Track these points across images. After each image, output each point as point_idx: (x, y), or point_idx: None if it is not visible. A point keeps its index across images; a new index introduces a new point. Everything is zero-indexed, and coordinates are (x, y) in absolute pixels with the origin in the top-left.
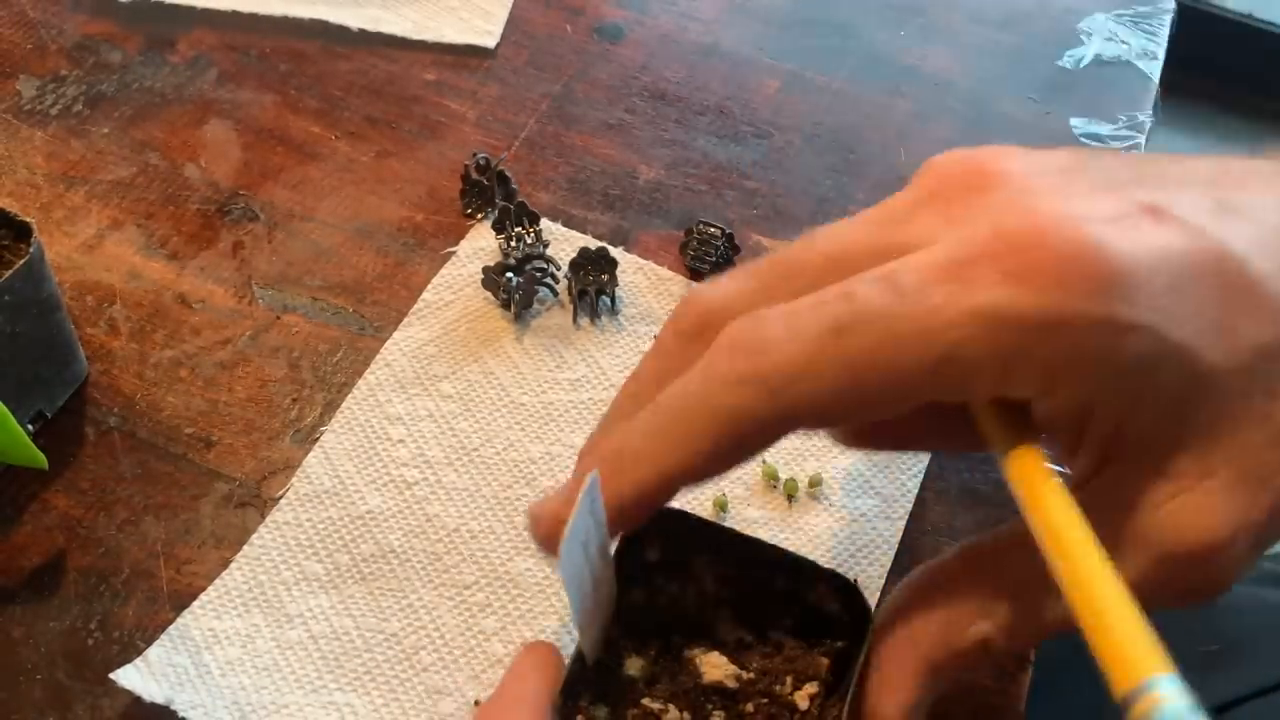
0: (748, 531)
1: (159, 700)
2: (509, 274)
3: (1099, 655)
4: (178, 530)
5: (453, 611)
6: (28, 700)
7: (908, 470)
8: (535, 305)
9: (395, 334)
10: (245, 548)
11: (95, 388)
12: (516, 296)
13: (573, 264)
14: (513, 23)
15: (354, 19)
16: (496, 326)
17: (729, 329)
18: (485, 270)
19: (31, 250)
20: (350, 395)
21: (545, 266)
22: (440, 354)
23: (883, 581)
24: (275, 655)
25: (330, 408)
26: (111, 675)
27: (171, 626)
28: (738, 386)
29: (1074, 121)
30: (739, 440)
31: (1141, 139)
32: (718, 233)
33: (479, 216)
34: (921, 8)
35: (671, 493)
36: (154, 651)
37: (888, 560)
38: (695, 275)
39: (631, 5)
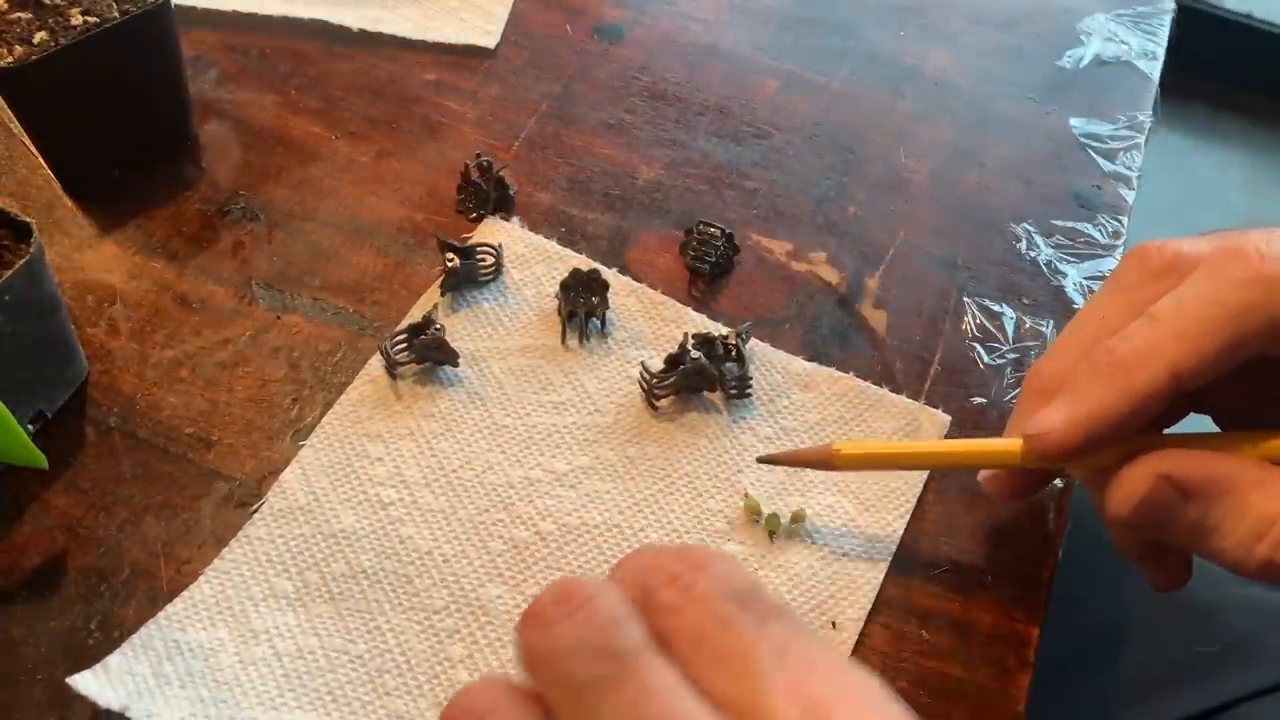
0: None
1: (114, 707)
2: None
3: None
4: (178, 530)
5: (420, 636)
6: (28, 700)
7: (894, 510)
8: (517, 331)
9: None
10: (216, 560)
11: (95, 388)
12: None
13: (563, 285)
14: (513, 23)
15: (354, 19)
16: (484, 346)
17: (1232, 243)
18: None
19: (31, 250)
20: (331, 412)
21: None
22: (424, 371)
23: (861, 624)
24: (237, 670)
25: (330, 408)
26: (69, 680)
27: (134, 635)
28: (1246, 285)
29: (1074, 121)
30: (1243, 338)
31: (1141, 139)
32: (718, 233)
33: (473, 217)
34: (921, 8)
35: (1168, 398)
36: (114, 659)
37: (868, 602)
38: (695, 275)
39: (631, 5)
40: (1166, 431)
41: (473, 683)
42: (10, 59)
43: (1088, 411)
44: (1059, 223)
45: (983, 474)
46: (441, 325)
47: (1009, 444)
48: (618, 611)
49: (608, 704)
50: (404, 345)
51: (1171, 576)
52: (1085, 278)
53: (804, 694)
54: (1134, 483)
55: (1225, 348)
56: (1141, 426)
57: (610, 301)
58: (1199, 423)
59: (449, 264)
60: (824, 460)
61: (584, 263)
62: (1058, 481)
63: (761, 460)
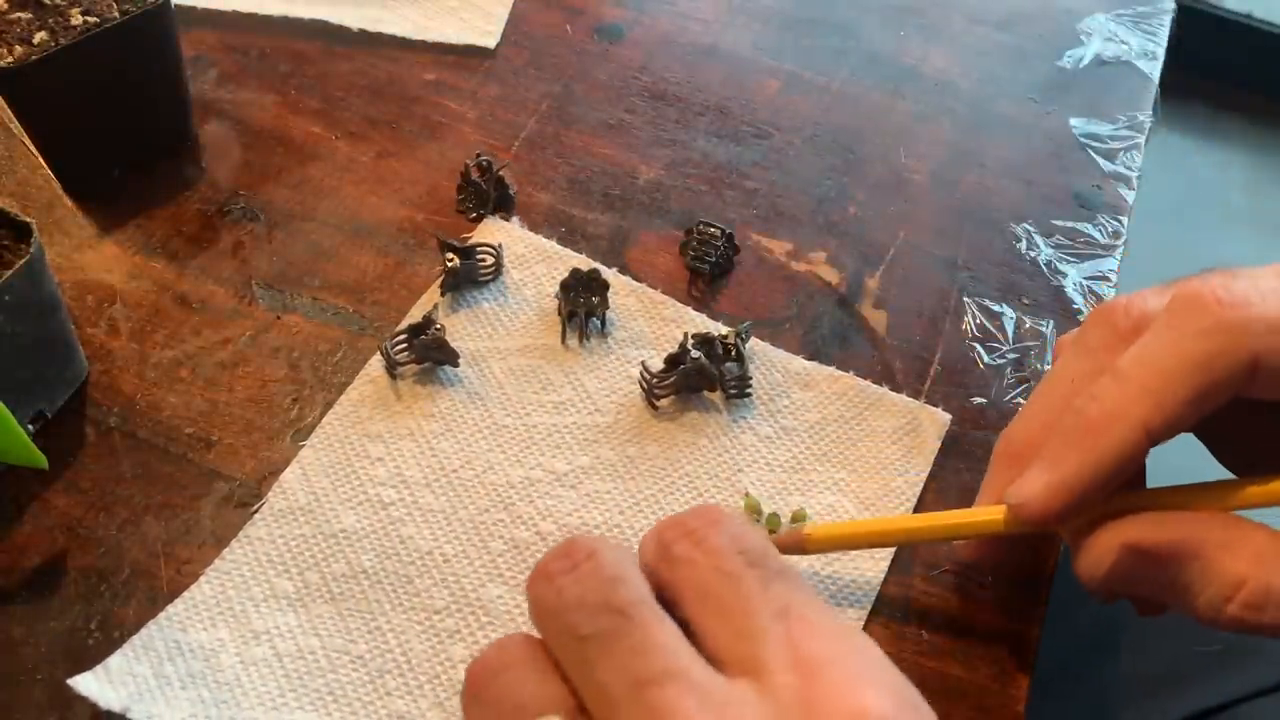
0: None
1: (115, 708)
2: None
3: None
4: (178, 530)
5: (421, 636)
6: (28, 700)
7: (894, 510)
8: (515, 331)
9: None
10: (216, 561)
11: (95, 388)
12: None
13: (563, 285)
14: (513, 23)
15: (354, 19)
16: (484, 346)
17: (1190, 290)
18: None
19: (31, 250)
20: (331, 412)
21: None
22: (424, 371)
23: (861, 624)
24: (238, 671)
25: (330, 408)
26: (69, 681)
27: (135, 636)
28: (1207, 335)
29: (1074, 121)
30: (1210, 388)
31: (1141, 139)
32: (718, 233)
33: (473, 217)
34: (921, 8)
35: (1145, 453)
36: (115, 660)
37: (868, 602)
38: (695, 275)
39: (631, 5)
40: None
41: (499, 639)
42: (10, 59)
43: (1063, 478)
44: (1059, 223)
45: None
46: (441, 325)
47: (990, 512)
48: (618, 567)
49: (606, 657)
50: (404, 345)
51: (1154, 606)
52: (1085, 278)
53: (800, 651)
54: (1100, 552)
55: (1193, 400)
56: (1123, 482)
57: (610, 301)
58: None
59: (449, 264)
60: (796, 545)
61: (584, 263)
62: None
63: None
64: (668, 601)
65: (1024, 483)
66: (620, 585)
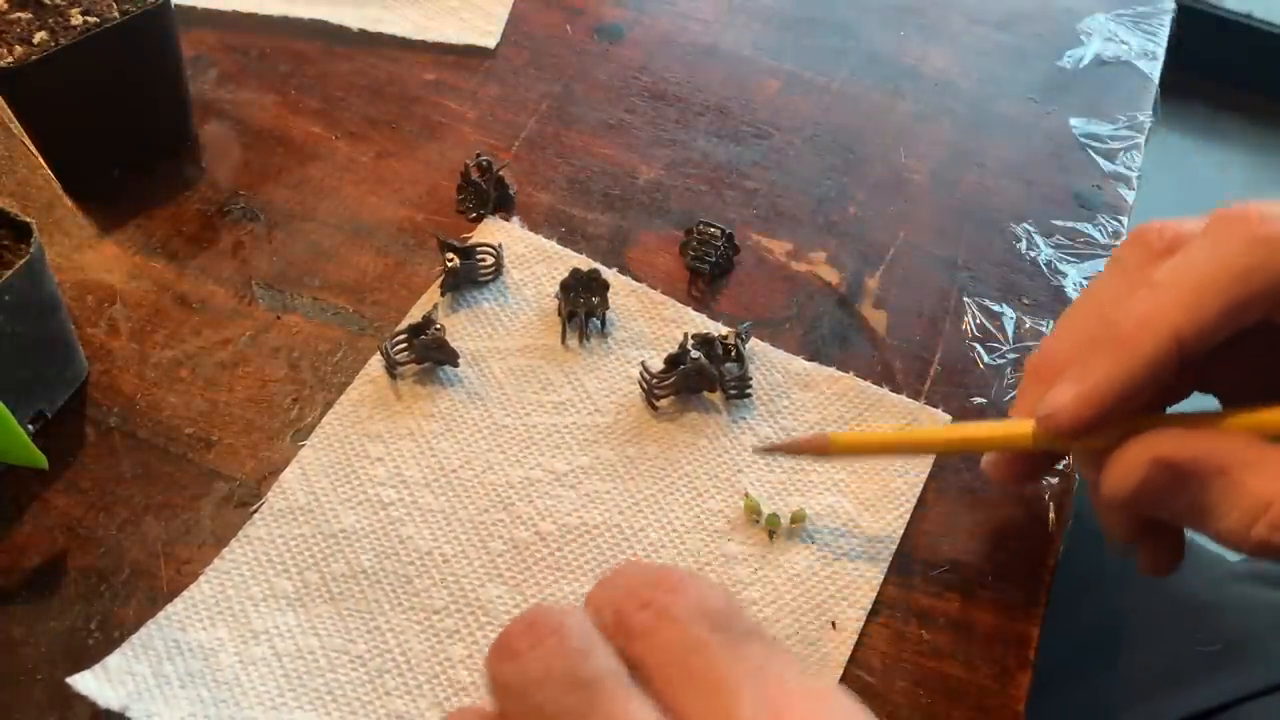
0: (725, 568)
1: (114, 707)
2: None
3: None
4: (178, 530)
5: (420, 636)
6: (28, 700)
7: (894, 510)
8: (513, 334)
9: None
10: (216, 560)
11: (95, 388)
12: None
13: (563, 285)
14: (513, 23)
15: (354, 19)
16: (484, 346)
17: (1231, 209)
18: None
19: (32, 250)
20: (331, 412)
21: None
22: (424, 371)
23: (861, 624)
24: (237, 670)
25: (330, 408)
26: (69, 680)
27: (134, 635)
28: (1248, 247)
29: (1074, 121)
30: (1246, 300)
31: (1141, 139)
32: (718, 233)
33: (473, 217)
34: (921, 8)
35: (1175, 364)
36: (114, 659)
37: (868, 602)
38: (695, 275)
39: (631, 5)
40: (1170, 411)
41: (452, 712)
42: (10, 59)
43: (1095, 386)
44: (1059, 223)
45: (986, 460)
46: (441, 325)
47: (1019, 425)
48: (586, 640)
49: None
50: (404, 345)
51: (1162, 561)
52: (1085, 278)
53: (778, 716)
54: (1129, 466)
55: (1228, 310)
56: (1151, 398)
57: (610, 301)
58: (1200, 404)
59: (449, 264)
60: (819, 447)
61: (584, 263)
62: (1055, 480)
63: (758, 451)
64: (632, 678)
65: (1054, 394)
66: (587, 658)
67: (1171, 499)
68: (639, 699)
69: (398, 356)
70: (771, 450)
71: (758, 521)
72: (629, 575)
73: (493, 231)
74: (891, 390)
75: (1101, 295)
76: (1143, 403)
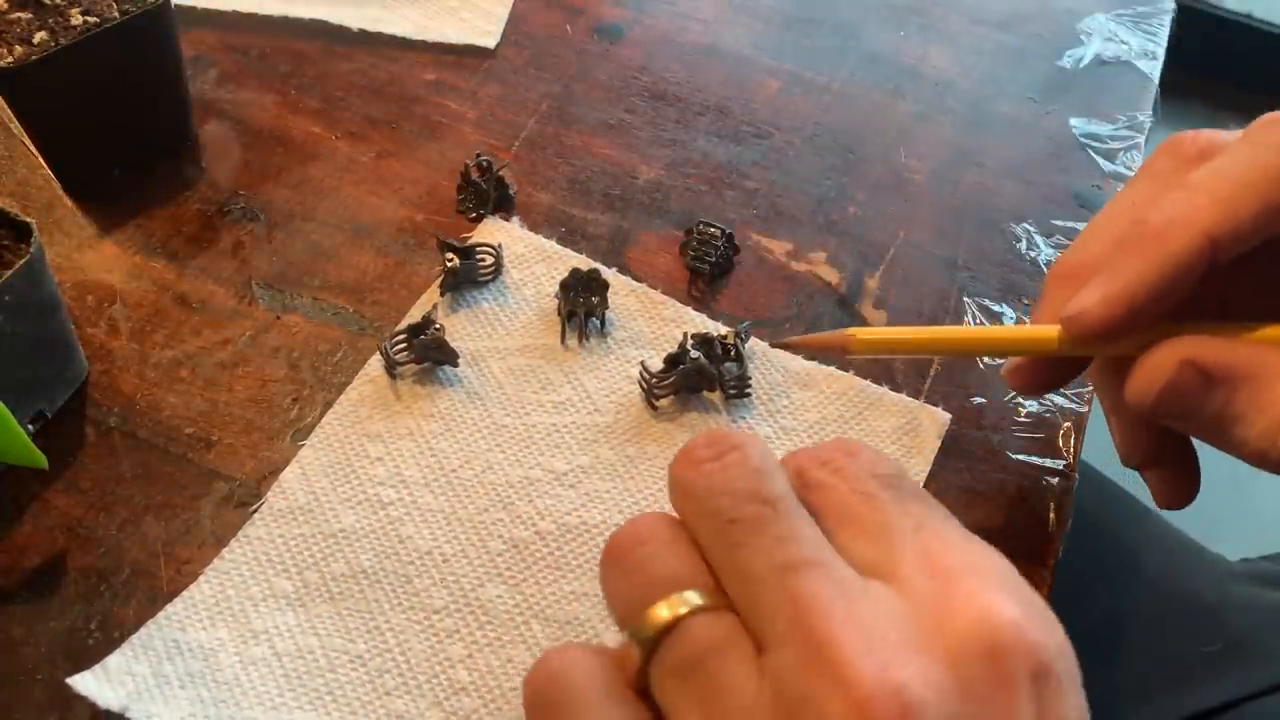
0: None
1: (114, 707)
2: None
3: None
4: (178, 530)
5: (420, 636)
6: (28, 700)
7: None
8: (516, 331)
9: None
10: (216, 560)
11: (95, 388)
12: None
13: (563, 285)
14: (513, 23)
15: (354, 19)
16: (484, 346)
17: (1270, 115)
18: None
19: (32, 250)
20: (330, 412)
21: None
22: (424, 371)
23: None
24: (237, 670)
25: (330, 408)
26: (69, 680)
27: (134, 635)
28: None
29: (1074, 121)
30: None
31: (1141, 139)
32: (718, 233)
33: (473, 217)
34: (921, 8)
35: (1205, 266)
36: (114, 659)
37: None
38: (695, 275)
39: (631, 5)
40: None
41: (639, 515)
42: (10, 59)
43: (1124, 285)
44: (1059, 223)
45: (1006, 367)
46: (441, 325)
47: (1044, 330)
48: (766, 462)
49: (751, 541)
50: (404, 345)
51: (1176, 491)
52: None
53: (934, 561)
54: (1158, 368)
55: (1264, 212)
56: (1179, 302)
57: (610, 301)
58: None
59: (449, 264)
60: (841, 344)
61: (584, 263)
62: (1055, 480)
63: (775, 345)
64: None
65: (1081, 295)
66: (768, 478)
67: (1198, 405)
68: (811, 521)
69: (397, 356)
70: (789, 346)
71: None
72: (810, 449)
73: (493, 231)
74: (891, 389)
75: (1130, 200)
76: (1170, 308)
